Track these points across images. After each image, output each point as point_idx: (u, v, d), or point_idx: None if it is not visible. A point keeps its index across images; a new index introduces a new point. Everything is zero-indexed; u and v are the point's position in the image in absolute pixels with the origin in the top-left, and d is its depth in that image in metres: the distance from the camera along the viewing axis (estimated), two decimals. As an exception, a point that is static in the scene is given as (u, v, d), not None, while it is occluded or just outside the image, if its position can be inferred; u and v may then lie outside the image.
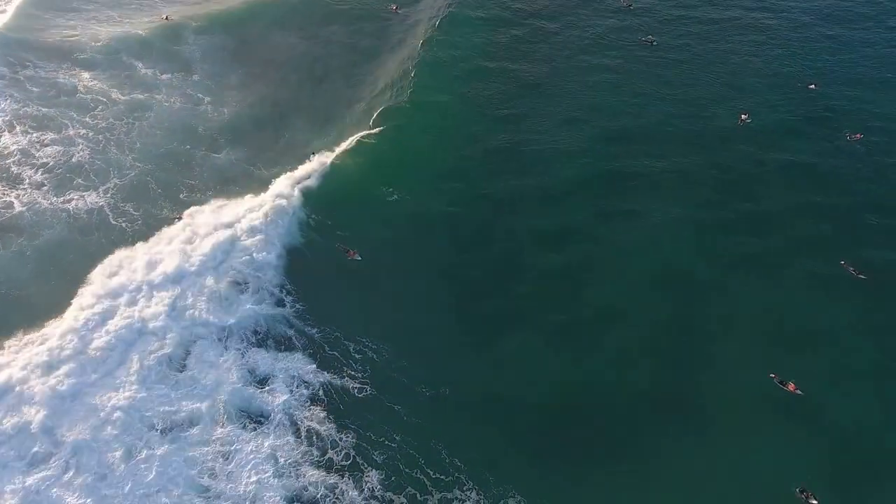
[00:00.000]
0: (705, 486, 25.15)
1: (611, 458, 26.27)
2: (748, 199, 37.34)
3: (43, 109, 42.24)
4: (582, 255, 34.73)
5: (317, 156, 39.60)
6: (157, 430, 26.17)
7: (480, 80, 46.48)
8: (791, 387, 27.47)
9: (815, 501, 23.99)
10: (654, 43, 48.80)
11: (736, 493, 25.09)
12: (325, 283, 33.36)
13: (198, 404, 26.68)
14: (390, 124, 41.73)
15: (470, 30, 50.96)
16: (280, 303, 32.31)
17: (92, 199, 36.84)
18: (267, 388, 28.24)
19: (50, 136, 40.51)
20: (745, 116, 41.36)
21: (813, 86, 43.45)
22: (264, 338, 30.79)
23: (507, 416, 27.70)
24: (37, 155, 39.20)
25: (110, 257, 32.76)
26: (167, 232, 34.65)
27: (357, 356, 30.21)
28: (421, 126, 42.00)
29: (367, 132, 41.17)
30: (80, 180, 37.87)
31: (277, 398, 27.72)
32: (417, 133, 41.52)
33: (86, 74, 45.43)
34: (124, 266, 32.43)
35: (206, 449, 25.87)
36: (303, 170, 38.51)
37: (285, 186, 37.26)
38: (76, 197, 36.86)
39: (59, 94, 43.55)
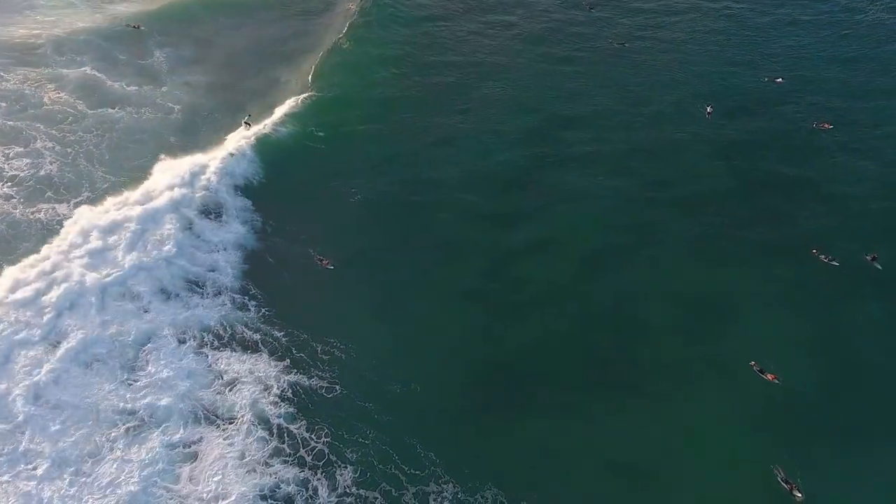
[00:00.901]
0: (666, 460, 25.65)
1: (585, 445, 26.18)
2: (705, 184, 38.21)
3: (9, 123, 40.20)
4: (534, 236, 34.80)
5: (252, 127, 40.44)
6: (119, 429, 24.44)
7: (423, 69, 47.37)
8: (771, 377, 27.50)
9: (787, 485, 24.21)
10: (626, 45, 49.36)
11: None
12: (286, 283, 32.32)
13: (161, 404, 25.02)
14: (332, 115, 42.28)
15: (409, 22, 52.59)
16: (243, 306, 31.10)
17: (63, 210, 34.90)
18: (233, 388, 26.89)
19: (17, 149, 38.44)
20: (710, 109, 42.13)
21: (780, 80, 44.38)
22: (228, 341, 29.42)
23: (478, 408, 27.38)
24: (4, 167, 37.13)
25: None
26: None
27: (325, 357, 29.27)
28: (359, 117, 42.74)
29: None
30: (50, 193, 36.01)
31: (244, 398, 26.42)
32: (356, 125, 42.22)
33: (51, 85, 43.43)
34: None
35: (172, 451, 24.34)
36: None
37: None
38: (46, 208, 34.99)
39: (27, 107, 41.45)
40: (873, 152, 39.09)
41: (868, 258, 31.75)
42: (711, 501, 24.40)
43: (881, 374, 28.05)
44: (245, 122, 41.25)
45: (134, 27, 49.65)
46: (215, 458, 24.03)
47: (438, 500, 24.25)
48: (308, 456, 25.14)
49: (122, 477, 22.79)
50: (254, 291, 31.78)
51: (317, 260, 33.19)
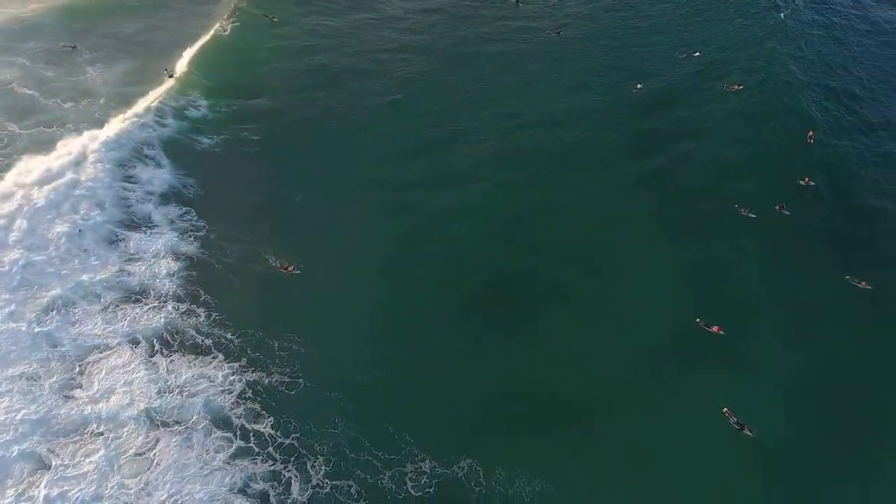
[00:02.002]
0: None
1: (547, 415, 26.27)
2: (646, 151, 39.64)
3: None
4: (485, 225, 34.82)
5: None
6: (68, 441, 22.02)
7: (340, 55, 47.41)
8: (715, 329, 28.45)
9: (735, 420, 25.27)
10: (560, 34, 50.35)
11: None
12: (235, 286, 30.61)
13: (110, 413, 22.78)
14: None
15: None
16: (191, 312, 29.13)
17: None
18: (188, 393, 25.02)
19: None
20: (639, 86, 44.46)
21: (697, 53, 47.71)
22: (178, 347, 27.44)
23: (445, 385, 26.90)
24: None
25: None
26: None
27: (283, 353, 27.90)
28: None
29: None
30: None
31: (200, 401, 24.67)
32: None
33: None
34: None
35: (124, 459, 22.24)
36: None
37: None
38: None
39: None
40: (780, 109, 42.00)
41: (777, 208, 34.20)
42: (674, 441, 25.14)
43: (792, 306, 30.08)
44: (167, 73, 42.36)
45: (71, 47, 46.51)
46: (172, 462, 22.18)
47: (416, 478, 23.62)
48: (277, 452, 23.77)
49: (73, 491, 20.43)
50: (203, 297, 29.87)
51: (280, 269, 31.36)
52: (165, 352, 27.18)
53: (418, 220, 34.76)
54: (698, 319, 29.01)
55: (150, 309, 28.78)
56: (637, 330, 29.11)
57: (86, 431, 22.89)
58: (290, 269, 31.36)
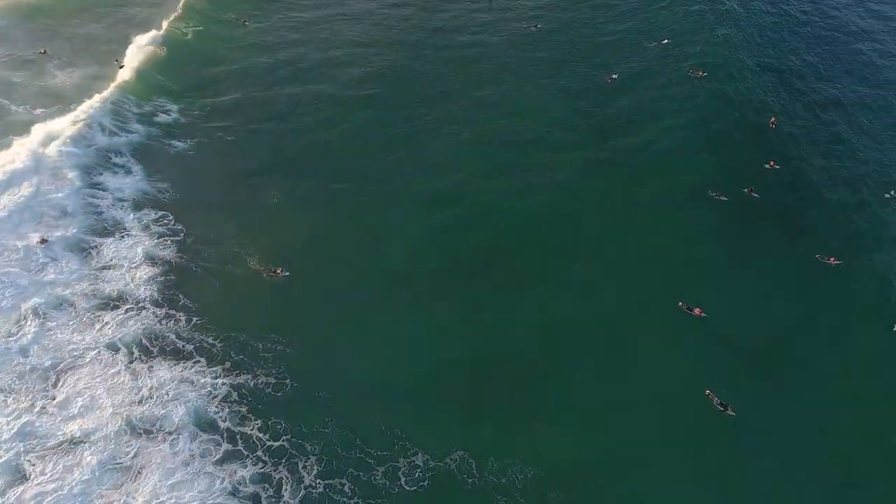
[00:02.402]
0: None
1: (530, 400, 26.17)
2: (619, 137, 39.95)
3: None
4: (467, 212, 34.60)
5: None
6: (49, 452, 20.93)
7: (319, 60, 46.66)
8: (697, 311, 28.62)
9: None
10: (538, 27, 50.25)
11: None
12: (216, 290, 29.74)
13: (92, 424, 21.74)
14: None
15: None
16: (170, 317, 28.19)
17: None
18: (170, 398, 24.12)
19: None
20: (615, 76, 44.29)
21: (666, 41, 48.43)
22: (159, 353, 26.49)
23: (436, 377, 26.52)
24: None
25: None
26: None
27: (268, 355, 27.17)
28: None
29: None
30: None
31: (183, 407, 23.81)
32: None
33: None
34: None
35: (107, 468, 21.28)
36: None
37: None
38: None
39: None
40: (740, 95, 42.96)
41: (746, 191, 34.92)
42: (658, 424, 25.33)
43: (767, 285, 30.70)
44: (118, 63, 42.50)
45: (41, 52, 44.92)
46: (156, 469, 21.32)
47: (410, 472, 23.25)
48: (266, 454, 23.09)
49: (53, 502, 19.40)
50: (183, 302, 28.95)
51: (269, 274, 30.46)
52: (145, 358, 26.19)
53: (396, 211, 34.23)
54: (681, 303, 29.23)
55: (127, 316, 27.73)
56: (614, 311, 29.23)
57: (65, 442, 21.81)
58: (278, 271, 30.52)
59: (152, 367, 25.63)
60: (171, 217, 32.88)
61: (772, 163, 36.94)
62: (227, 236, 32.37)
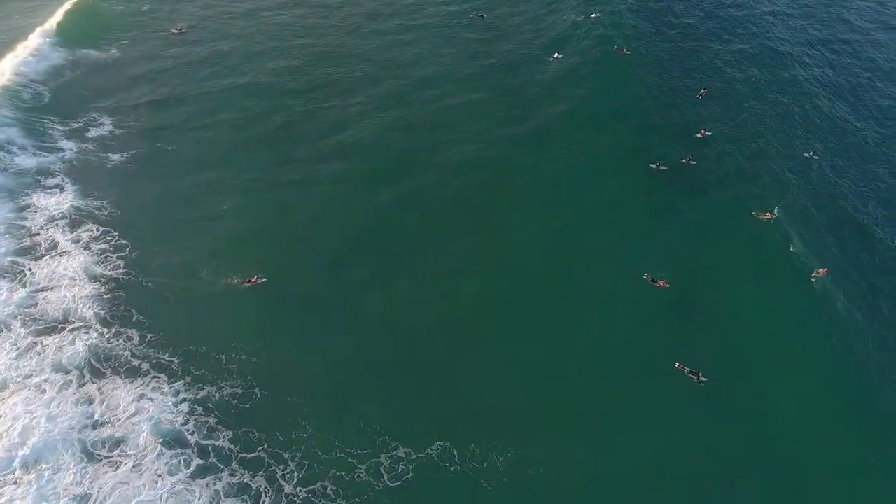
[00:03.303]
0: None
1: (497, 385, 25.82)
2: (555, 120, 40.16)
3: None
4: (404, 192, 34.20)
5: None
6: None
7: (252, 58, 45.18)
8: (662, 283, 28.87)
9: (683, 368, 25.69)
10: (484, 16, 50.18)
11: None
12: (169, 304, 27.72)
13: (45, 452, 19.27)
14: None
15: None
16: (120, 335, 25.91)
17: None
18: (129, 419, 21.98)
19: None
20: (557, 55, 45.22)
21: (594, 14, 49.50)
22: (112, 375, 24.18)
23: (406, 370, 25.85)
24: None
25: None
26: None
27: (233, 366, 25.51)
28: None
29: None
30: None
31: (145, 426, 21.77)
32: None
33: None
34: None
35: (72, 500, 18.97)
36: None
37: None
38: None
39: None
40: (665, 70, 45.27)
41: (685, 160, 35.91)
42: (637, 394, 25.61)
43: (712, 246, 31.73)
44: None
45: None
46: (118, 493, 19.30)
47: (392, 467, 22.48)
48: (242, 466, 21.53)
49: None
50: (135, 318, 26.77)
51: (244, 284, 28.56)
52: (96, 380, 23.82)
53: (337, 199, 33.23)
54: (646, 275, 29.32)
55: (73, 337, 25.19)
56: (580, 287, 29.36)
57: (13, 476, 19.29)
58: (254, 280, 28.72)
59: (106, 388, 23.33)
60: (115, 233, 30.37)
61: (703, 131, 38.47)
62: (176, 247, 30.30)
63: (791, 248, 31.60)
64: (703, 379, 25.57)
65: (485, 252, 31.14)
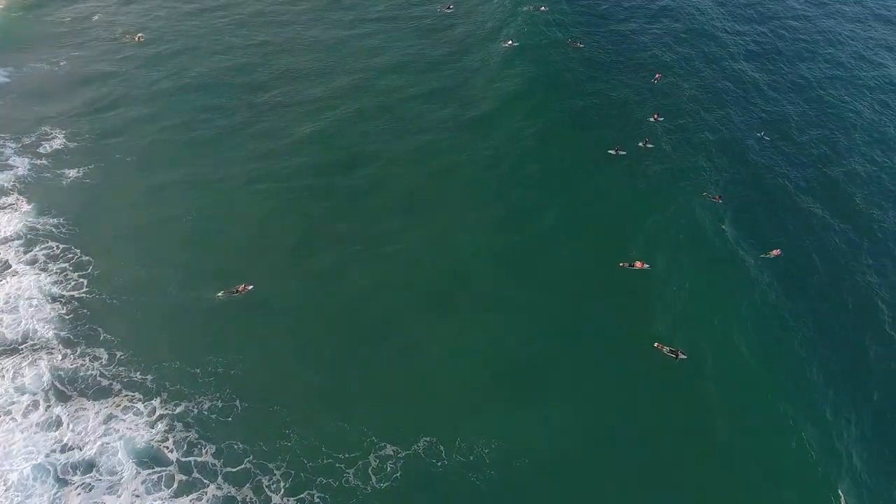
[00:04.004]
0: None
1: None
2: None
3: None
4: (362, 181, 33.81)
5: None
6: None
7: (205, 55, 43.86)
8: (639, 264, 28.95)
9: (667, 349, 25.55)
10: (450, 8, 49.70)
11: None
12: (136, 319, 26.27)
13: (11, 478, 17.67)
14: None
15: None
16: (86, 355, 24.36)
17: None
18: (100, 440, 20.59)
19: None
20: (510, 42, 45.20)
21: (543, 7, 49.63)
22: (79, 397, 22.66)
23: (385, 368, 25.26)
24: None
25: None
26: None
27: (210, 379, 24.42)
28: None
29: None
30: None
31: (119, 445, 20.47)
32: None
33: None
34: None
35: None
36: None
37: None
38: None
39: None
40: (614, 54, 46.26)
41: (641, 144, 36.58)
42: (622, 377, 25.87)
43: (671, 226, 32.11)
44: None
45: None
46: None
47: (381, 467, 21.99)
48: (227, 480, 20.57)
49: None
50: (102, 337, 25.31)
51: (234, 294, 27.32)
52: (62, 402, 22.24)
53: (310, 204, 32.26)
54: (622, 264, 29.28)
55: (33, 358, 23.46)
56: (562, 281, 29.26)
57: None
58: (242, 288, 27.53)
59: (74, 410, 21.81)
60: (77, 250, 28.61)
61: (655, 116, 39.16)
62: (142, 261, 28.83)
63: (740, 230, 32.41)
64: (683, 356, 25.69)
65: (452, 239, 30.74)
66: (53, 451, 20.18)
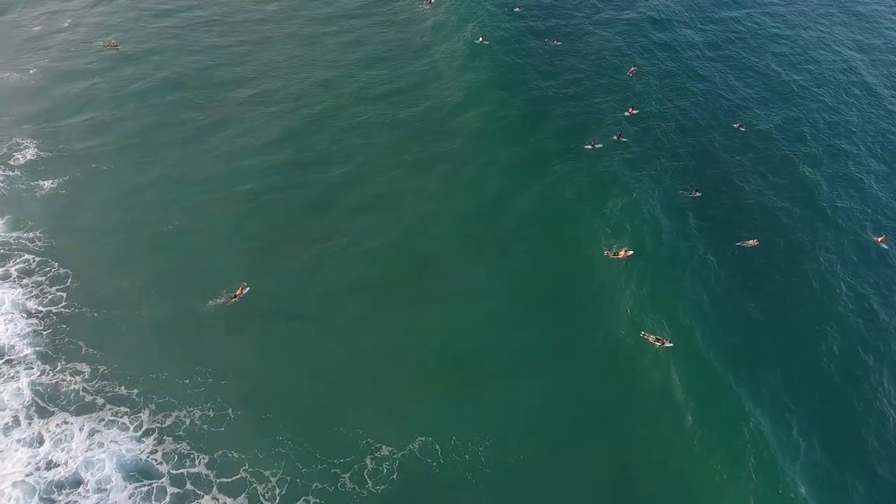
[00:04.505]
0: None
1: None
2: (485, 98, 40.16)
3: None
4: (353, 175, 33.52)
5: None
6: None
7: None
8: (623, 252, 28.87)
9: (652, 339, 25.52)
10: (431, 3, 49.54)
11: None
12: (120, 331, 25.30)
13: None
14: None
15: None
16: (66, 370, 23.31)
17: None
18: (85, 457, 19.69)
19: None
20: (482, 39, 44.76)
21: (517, 8, 49.60)
22: (61, 412, 21.61)
23: (379, 371, 24.90)
24: None
25: None
26: None
27: (198, 390, 23.62)
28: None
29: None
30: None
31: (108, 461, 19.60)
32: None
33: None
34: None
35: None
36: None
37: None
38: None
39: None
40: (589, 47, 46.19)
41: (615, 138, 36.84)
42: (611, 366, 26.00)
43: (649, 218, 32.19)
44: None
45: None
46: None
47: (377, 468, 21.67)
48: (221, 490, 19.92)
49: None
50: (85, 351, 24.27)
51: (232, 299, 26.53)
52: (44, 419, 21.20)
53: (288, 206, 31.55)
54: (606, 252, 29.36)
55: (9, 377, 22.31)
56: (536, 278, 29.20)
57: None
58: (239, 292, 26.72)
59: (57, 426, 20.81)
60: (54, 263, 27.40)
61: (630, 109, 38.98)
62: (123, 272, 27.74)
63: (717, 221, 32.62)
64: (670, 344, 25.82)
65: (424, 232, 30.36)
66: (37, 468, 19.18)
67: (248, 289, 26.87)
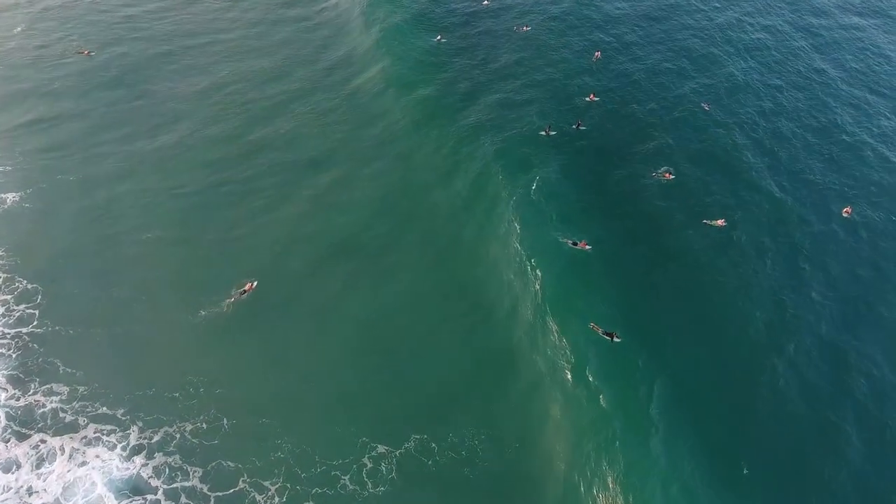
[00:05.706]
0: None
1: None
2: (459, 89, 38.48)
3: None
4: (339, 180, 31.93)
5: None
6: None
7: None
8: (582, 244, 28.09)
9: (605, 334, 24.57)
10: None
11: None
12: (101, 346, 23.60)
13: None
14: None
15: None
16: (40, 392, 21.46)
17: None
18: (70, 479, 18.13)
19: None
20: (441, 37, 43.12)
21: (486, 2, 47.94)
22: (39, 433, 19.81)
23: (372, 370, 24.02)
24: None
25: None
26: None
27: (190, 402, 22.33)
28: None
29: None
30: None
31: (96, 480, 18.16)
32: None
33: None
34: None
35: None
36: None
37: None
38: None
39: None
40: (555, 34, 44.11)
41: (574, 126, 35.01)
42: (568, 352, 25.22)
43: (608, 205, 30.74)
44: None
45: None
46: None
47: (376, 468, 21.01)
48: (219, 501, 18.80)
49: None
50: (62, 370, 22.58)
51: (243, 294, 25.44)
52: (21, 443, 19.41)
53: (271, 210, 30.25)
54: (572, 243, 28.35)
55: (-12, 399, 20.32)
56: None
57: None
58: (248, 287, 25.68)
59: (36, 450, 19.09)
60: (22, 280, 25.34)
61: (591, 96, 37.34)
62: (100, 285, 25.97)
63: (690, 203, 31.24)
64: (618, 339, 24.84)
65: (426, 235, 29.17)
66: (17, 493, 17.49)
67: (255, 283, 25.93)
